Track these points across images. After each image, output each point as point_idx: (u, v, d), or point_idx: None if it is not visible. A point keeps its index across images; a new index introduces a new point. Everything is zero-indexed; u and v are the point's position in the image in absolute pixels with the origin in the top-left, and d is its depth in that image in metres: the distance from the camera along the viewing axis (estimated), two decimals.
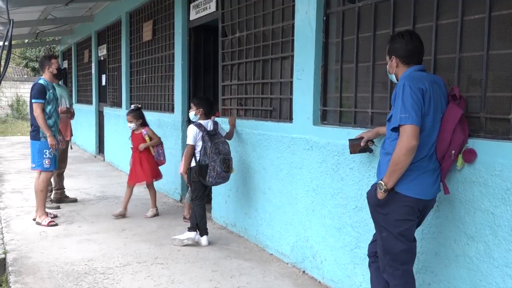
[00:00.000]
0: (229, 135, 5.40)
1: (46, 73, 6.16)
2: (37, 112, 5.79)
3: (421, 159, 2.78)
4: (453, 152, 2.83)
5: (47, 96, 5.92)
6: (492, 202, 2.78)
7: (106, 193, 7.79)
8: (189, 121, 5.46)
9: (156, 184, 8.05)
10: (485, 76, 2.90)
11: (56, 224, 5.84)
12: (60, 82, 6.97)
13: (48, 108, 5.93)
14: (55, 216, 6.13)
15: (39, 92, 5.86)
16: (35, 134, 5.89)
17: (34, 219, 5.93)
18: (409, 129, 2.65)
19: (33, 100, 5.88)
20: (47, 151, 5.85)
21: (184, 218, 6.07)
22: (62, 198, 7.05)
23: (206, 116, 5.17)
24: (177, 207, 6.85)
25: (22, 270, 4.35)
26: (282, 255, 4.74)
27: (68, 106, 6.97)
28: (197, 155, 5.02)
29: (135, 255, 4.79)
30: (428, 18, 3.27)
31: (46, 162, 5.87)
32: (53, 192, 6.97)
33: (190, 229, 5.17)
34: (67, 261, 4.59)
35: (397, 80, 2.96)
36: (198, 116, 5.14)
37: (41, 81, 5.98)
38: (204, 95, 6.79)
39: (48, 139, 5.80)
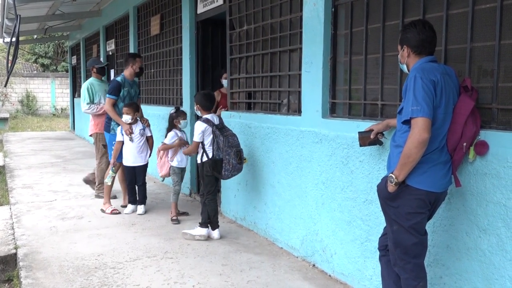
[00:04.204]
0: None
1: (129, 69, 6.28)
2: (107, 107, 6.16)
3: (432, 152, 2.74)
4: (464, 144, 2.80)
5: (121, 94, 6.15)
6: (505, 194, 2.74)
7: (117, 187, 7.80)
8: (197, 116, 5.44)
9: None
10: (497, 66, 2.85)
11: (119, 213, 6.16)
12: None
13: (121, 104, 6.16)
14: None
15: (113, 89, 6.14)
16: (107, 125, 6.32)
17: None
18: (420, 121, 2.62)
19: (106, 95, 6.20)
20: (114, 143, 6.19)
21: (172, 219, 5.83)
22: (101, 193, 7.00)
23: (206, 110, 5.08)
24: (187, 201, 6.86)
25: (33, 265, 4.37)
26: (292, 248, 4.72)
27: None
28: (209, 150, 4.97)
29: (145, 250, 4.80)
30: (438, 8, 3.22)
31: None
32: (96, 187, 7.05)
33: (201, 225, 5.15)
34: (78, 256, 4.60)
35: (408, 70, 2.92)
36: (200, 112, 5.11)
37: (118, 78, 6.19)
38: (202, 90, 6.69)
39: (123, 127, 6.05)
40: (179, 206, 6.07)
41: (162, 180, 6.29)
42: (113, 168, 6.11)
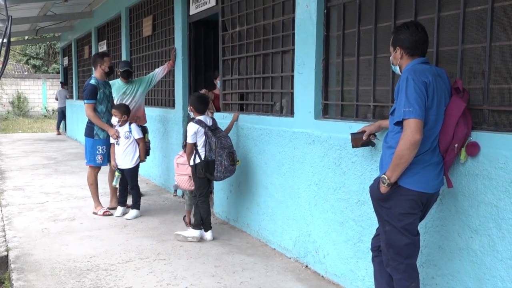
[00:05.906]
0: (228, 130, 5.36)
1: (98, 70, 6.16)
2: (88, 112, 6.00)
3: (424, 153, 2.76)
4: (456, 145, 2.81)
5: (98, 97, 6.01)
6: (496, 195, 2.76)
7: (107, 189, 7.76)
8: (189, 117, 5.43)
9: (159, 179, 8.06)
10: (488, 68, 2.87)
11: (111, 214, 6.11)
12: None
13: (100, 107, 6.06)
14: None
15: (90, 93, 5.98)
16: (89, 131, 6.13)
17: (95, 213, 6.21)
18: (413, 123, 2.63)
19: (84, 101, 6.03)
20: (100, 147, 6.10)
21: (187, 224, 5.64)
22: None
23: (199, 112, 5.06)
24: (179, 202, 6.84)
25: (25, 267, 4.34)
26: (285, 249, 4.73)
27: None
28: (201, 151, 4.95)
29: (137, 251, 4.78)
30: (430, 10, 3.24)
31: (99, 158, 6.14)
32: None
33: (194, 227, 5.14)
34: (69, 258, 4.58)
35: (401, 72, 2.93)
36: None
37: (92, 81, 6.05)
38: (195, 92, 6.55)
39: (109, 132, 5.95)
40: (173, 208, 6.07)
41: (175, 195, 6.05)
42: (117, 169, 6.03)
